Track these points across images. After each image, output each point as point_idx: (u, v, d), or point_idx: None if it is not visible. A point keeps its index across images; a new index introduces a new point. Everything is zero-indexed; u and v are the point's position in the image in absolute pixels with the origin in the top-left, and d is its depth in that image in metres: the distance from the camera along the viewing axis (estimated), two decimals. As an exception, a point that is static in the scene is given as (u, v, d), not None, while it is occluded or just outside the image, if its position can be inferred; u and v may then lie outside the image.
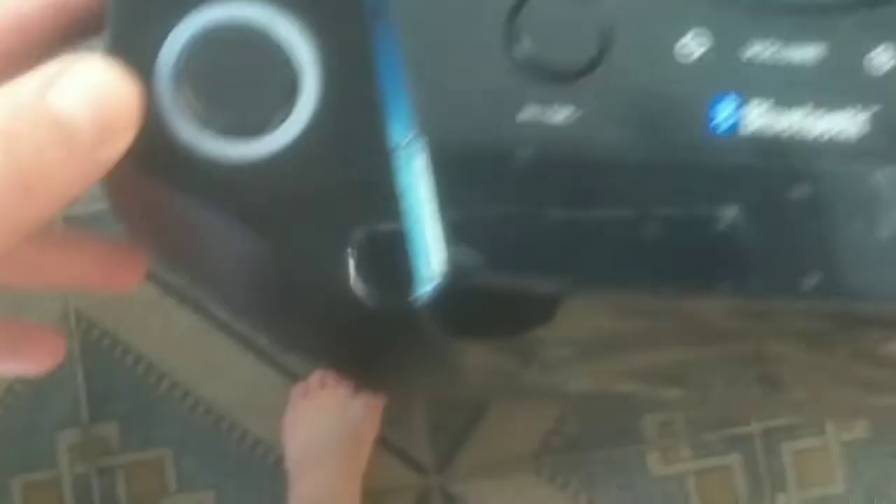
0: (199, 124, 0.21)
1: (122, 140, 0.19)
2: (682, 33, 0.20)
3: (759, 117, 0.20)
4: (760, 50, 0.20)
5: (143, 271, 0.28)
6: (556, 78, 0.20)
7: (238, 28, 0.21)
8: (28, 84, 0.18)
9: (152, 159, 0.21)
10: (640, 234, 0.20)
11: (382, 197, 0.21)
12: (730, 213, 0.20)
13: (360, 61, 0.21)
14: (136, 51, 0.21)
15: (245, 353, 0.95)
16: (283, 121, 0.21)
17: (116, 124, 0.19)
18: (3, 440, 0.94)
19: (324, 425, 0.92)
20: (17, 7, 0.22)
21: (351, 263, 0.21)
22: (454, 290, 0.20)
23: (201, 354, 0.95)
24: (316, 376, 0.94)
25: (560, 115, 0.20)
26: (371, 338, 0.23)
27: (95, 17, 0.23)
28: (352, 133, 0.21)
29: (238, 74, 0.21)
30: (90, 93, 0.18)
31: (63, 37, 0.23)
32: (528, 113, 0.20)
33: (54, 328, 0.28)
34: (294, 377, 0.95)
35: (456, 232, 0.20)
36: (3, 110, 0.18)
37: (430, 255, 0.20)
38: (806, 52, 0.20)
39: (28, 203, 0.18)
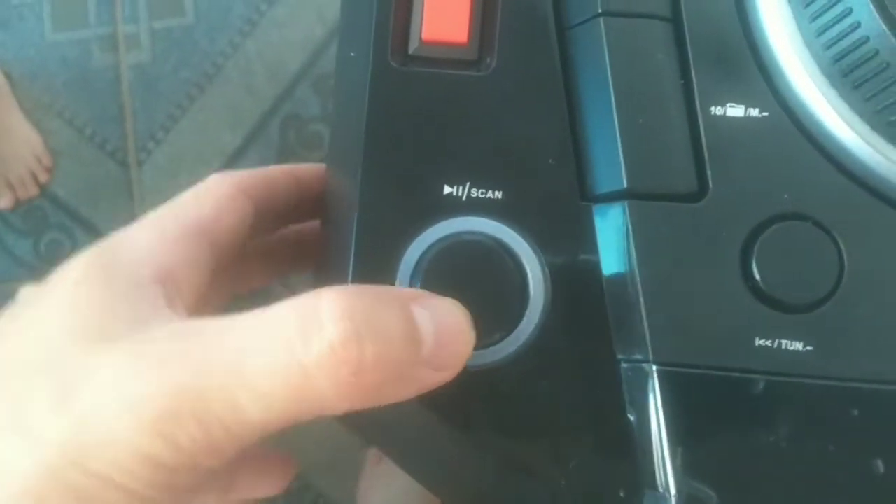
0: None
1: (447, 373, 0.20)
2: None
3: None
4: None
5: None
6: (791, 309, 0.21)
7: (475, 242, 0.22)
8: (396, 289, 0.21)
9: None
10: (878, 472, 0.20)
11: (604, 411, 0.22)
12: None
13: (585, 279, 0.22)
14: (379, 259, 0.22)
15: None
16: (510, 331, 0.22)
17: (450, 354, 0.20)
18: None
19: (399, 491, 0.92)
20: (268, 170, 0.27)
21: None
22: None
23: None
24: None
25: (797, 343, 0.20)
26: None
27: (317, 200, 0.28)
28: (575, 348, 0.22)
29: (472, 285, 0.22)
30: (441, 319, 0.20)
31: (297, 208, 0.28)
32: (765, 340, 0.20)
33: (283, 453, 0.30)
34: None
35: (689, 465, 0.20)
36: (372, 297, 0.19)
37: (661, 479, 0.21)
38: None
39: (364, 388, 0.19)
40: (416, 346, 0.19)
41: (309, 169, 0.28)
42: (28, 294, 0.23)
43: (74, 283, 0.21)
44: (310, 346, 0.18)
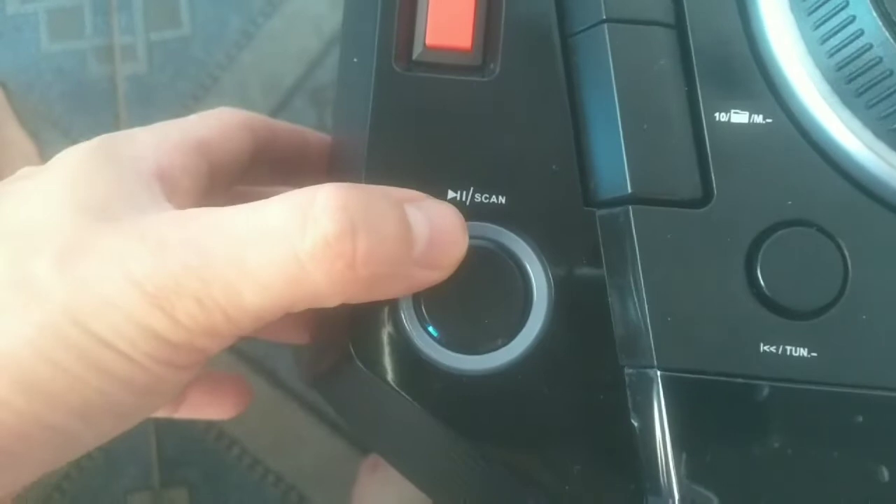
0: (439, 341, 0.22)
1: (439, 273, 0.20)
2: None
3: None
4: None
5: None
6: (796, 315, 0.20)
7: (478, 247, 0.22)
8: (393, 189, 0.20)
9: (380, 358, 0.22)
10: (883, 479, 0.20)
11: (608, 417, 0.22)
12: None
13: (588, 284, 0.22)
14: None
15: (317, 425, 0.94)
16: (512, 337, 0.22)
17: (442, 255, 0.20)
18: (76, 502, 0.94)
19: (393, 498, 0.91)
20: (278, 121, 0.28)
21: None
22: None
23: (273, 423, 0.95)
24: (385, 450, 0.94)
25: (802, 349, 0.20)
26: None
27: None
28: (577, 354, 0.22)
29: (475, 290, 0.22)
30: (435, 220, 0.20)
31: (297, 167, 0.28)
32: (770, 346, 0.20)
33: (240, 377, 0.30)
34: (364, 450, 0.95)
35: (692, 471, 0.20)
36: (366, 193, 0.19)
37: (665, 485, 0.20)
38: None
39: (357, 281, 0.19)
40: (408, 245, 0.19)
41: (318, 135, 0.29)
42: (28, 171, 0.23)
43: (75, 162, 0.21)
44: (305, 238, 0.18)
